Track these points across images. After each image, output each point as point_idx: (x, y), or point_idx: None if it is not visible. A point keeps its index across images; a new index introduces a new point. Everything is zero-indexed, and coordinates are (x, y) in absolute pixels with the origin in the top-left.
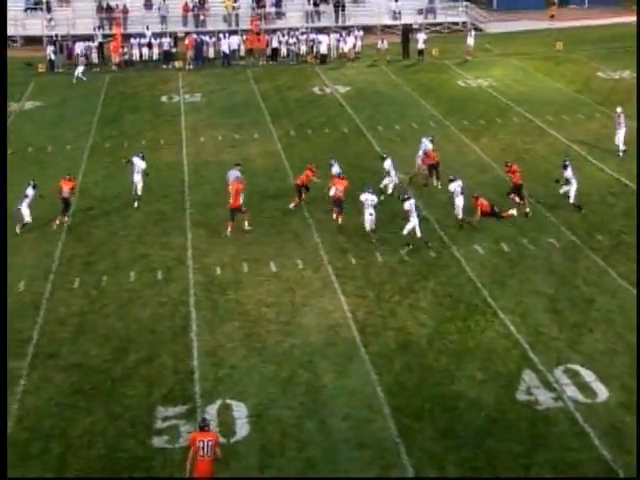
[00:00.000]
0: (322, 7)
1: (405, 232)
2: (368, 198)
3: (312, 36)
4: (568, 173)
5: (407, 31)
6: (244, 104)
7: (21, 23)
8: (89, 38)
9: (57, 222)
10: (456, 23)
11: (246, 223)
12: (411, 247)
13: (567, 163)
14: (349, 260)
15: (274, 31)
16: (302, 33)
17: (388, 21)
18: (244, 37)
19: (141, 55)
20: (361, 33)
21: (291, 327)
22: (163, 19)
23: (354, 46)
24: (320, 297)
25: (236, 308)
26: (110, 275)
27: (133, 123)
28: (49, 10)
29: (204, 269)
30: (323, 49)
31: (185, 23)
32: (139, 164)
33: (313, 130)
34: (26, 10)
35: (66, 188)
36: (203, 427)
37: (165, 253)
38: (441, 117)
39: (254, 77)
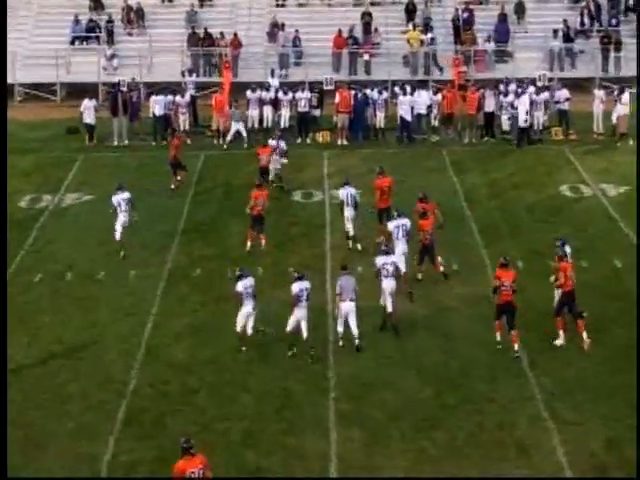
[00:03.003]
0: (579, 43)
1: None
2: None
3: (558, 93)
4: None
5: None
6: None
7: (64, 62)
8: (174, 90)
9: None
10: None
11: None
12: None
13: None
14: None
15: (492, 84)
16: (543, 88)
17: None
18: (439, 94)
19: (261, 120)
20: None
21: None
22: (298, 59)
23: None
24: None
25: None
26: None
27: (242, 236)
28: (111, 41)
29: None
30: (521, 117)
31: (337, 67)
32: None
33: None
34: (73, 42)
35: (264, 155)
36: (187, 449)
37: (293, 463)
38: None
39: (455, 163)
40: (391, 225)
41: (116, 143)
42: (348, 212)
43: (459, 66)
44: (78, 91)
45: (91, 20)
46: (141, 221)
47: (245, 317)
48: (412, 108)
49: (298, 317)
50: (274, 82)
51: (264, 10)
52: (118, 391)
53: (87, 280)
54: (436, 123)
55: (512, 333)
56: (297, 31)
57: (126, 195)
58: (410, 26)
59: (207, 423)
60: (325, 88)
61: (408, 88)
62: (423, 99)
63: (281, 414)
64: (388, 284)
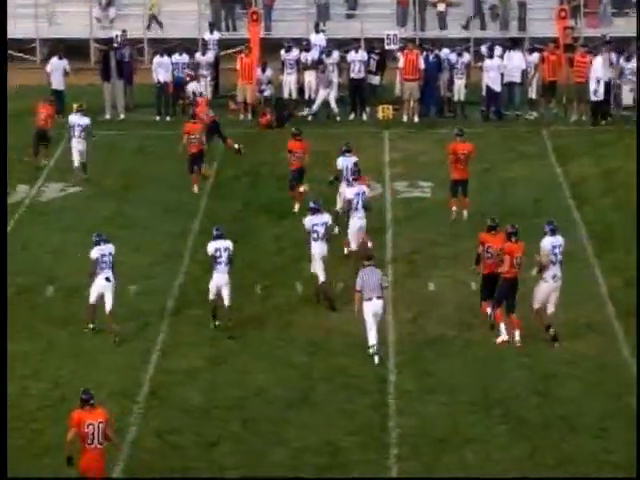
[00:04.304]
0: None
1: None
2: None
3: None
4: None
5: None
6: (532, 211)
7: (46, 13)
8: (189, 48)
9: None
10: None
11: None
12: None
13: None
14: None
15: (607, 44)
16: None
17: None
18: (535, 53)
19: (301, 88)
20: None
21: None
22: (351, 9)
23: None
24: None
25: None
26: None
27: (274, 238)
28: None
29: None
30: (591, 88)
31: (403, 20)
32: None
33: None
34: None
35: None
36: (87, 400)
37: None
38: None
39: (558, 148)
40: (350, 193)
41: (109, 117)
42: (343, 188)
43: (565, 20)
44: (64, 50)
45: None
46: (143, 214)
47: (100, 290)
48: (502, 75)
49: (217, 283)
50: (318, 39)
51: None
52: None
53: (73, 296)
54: (534, 95)
55: (511, 317)
56: None
57: (85, 121)
58: None
59: None
60: (387, 48)
61: (498, 49)
62: (516, 63)
63: (326, 475)
64: (319, 248)
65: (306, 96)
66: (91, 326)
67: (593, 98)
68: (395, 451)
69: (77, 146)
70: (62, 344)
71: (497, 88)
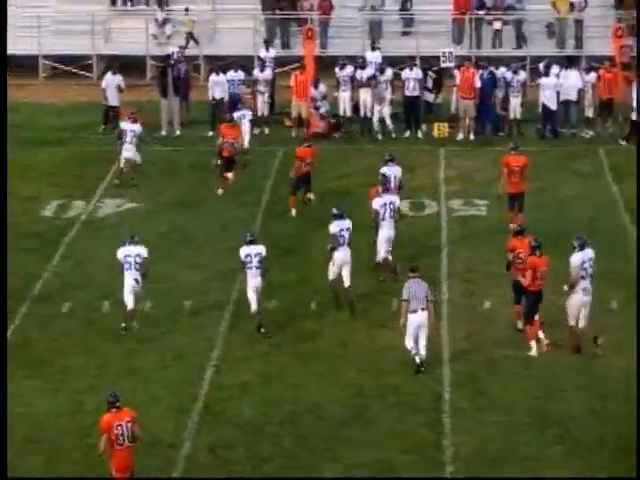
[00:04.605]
0: None
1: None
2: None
3: None
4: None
5: None
6: (587, 230)
7: (103, 29)
8: (244, 65)
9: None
10: None
11: None
12: None
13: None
14: None
15: None
16: None
17: None
18: (592, 72)
19: (356, 106)
20: None
21: None
22: (407, 27)
23: None
24: None
25: None
26: None
27: (329, 256)
28: (163, 2)
29: None
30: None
31: (458, 38)
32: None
33: None
34: (115, 2)
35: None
36: (114, 403)
37: None
38: None
39: (615, 167)
40: (377, 203)
41: (164, 133)
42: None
43: (622, 38)
44: (120, 66)
45: None
46: (199, 228)
47: (130, 292)
48: (558, 93)
49: (253, 288)
50: (374, 57)
51: None
52: (167, 457)
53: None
54: (590, 113)
55: (526, 327)
56: None
57: (136, 127)
58: None
59: None
60: (442, 65)
61: (555, 68)
62: (572, 82)
63: None
64: (344, 253)
65: (361, 114)
66: (123, 325)
67: (634, 117)
68: (450, 469)
69: (125, 153)
70: (118, 359)
71: (553, 106)
